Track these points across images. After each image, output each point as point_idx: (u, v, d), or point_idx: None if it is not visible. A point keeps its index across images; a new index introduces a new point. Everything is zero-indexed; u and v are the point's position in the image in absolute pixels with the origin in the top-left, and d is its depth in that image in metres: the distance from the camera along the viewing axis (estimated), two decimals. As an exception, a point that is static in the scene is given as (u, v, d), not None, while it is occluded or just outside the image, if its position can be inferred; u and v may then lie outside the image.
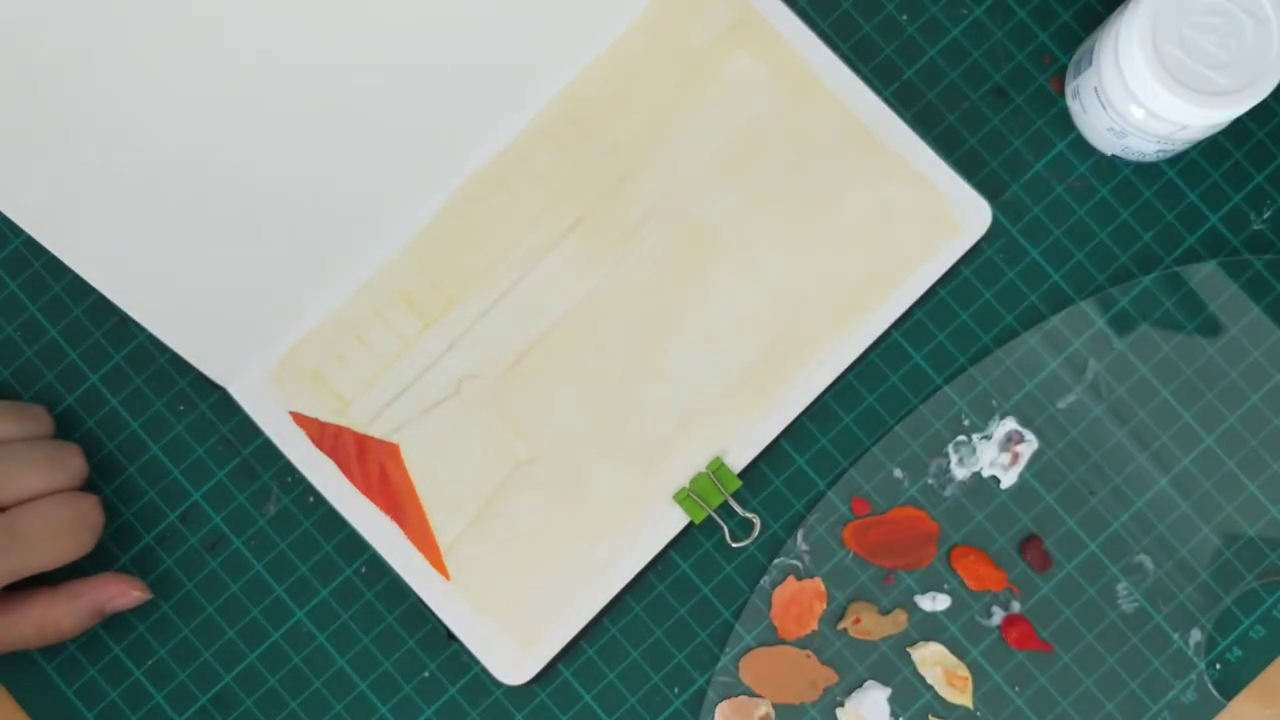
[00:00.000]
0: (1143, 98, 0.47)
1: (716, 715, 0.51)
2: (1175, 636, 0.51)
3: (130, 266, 0.48)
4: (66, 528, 0.47)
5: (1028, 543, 0.51)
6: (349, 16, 0.47)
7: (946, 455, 0.51)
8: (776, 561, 0.51)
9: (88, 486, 0.51)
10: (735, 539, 0.51)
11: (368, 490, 0.51)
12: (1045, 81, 0.53)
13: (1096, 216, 0.52)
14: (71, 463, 0.48)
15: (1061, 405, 0.51)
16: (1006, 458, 0.51)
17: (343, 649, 0.51)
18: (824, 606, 0.51)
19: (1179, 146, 0.50)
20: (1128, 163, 0.52)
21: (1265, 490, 0.51)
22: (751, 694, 0.51)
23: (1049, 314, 0.52)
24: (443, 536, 0.51)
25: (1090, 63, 0.49)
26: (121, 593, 0.49)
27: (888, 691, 0.51)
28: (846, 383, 0.52)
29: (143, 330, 0.52)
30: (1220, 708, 0.50)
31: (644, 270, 0.51)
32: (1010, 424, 0.51)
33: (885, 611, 0.51)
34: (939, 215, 0.51)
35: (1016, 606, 0.51)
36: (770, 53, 0.52)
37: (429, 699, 0.51)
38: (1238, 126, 0.52)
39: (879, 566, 0.51)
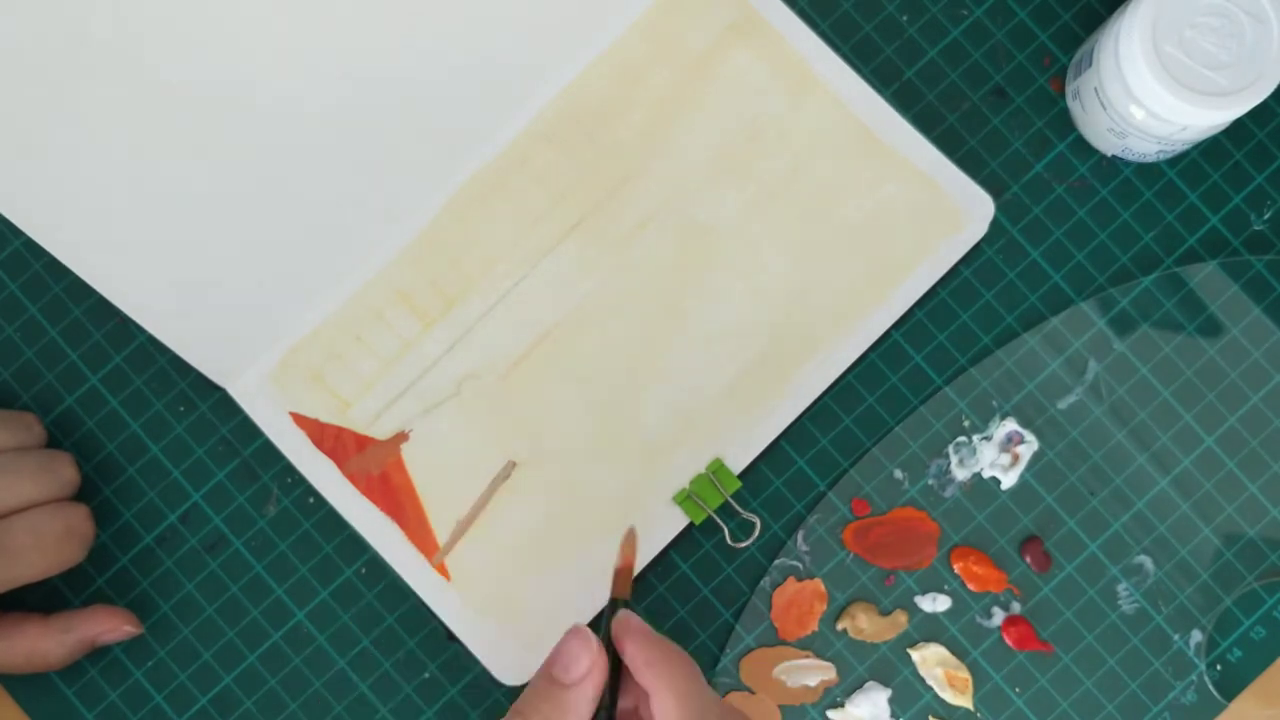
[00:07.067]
0: (1143, 98, 0.47)
1: (717, 716, 0.51)
2: (1176, 637, 0.51)
3: (130, 268, 0.48)
4: (56, 539, 0.47)
5: (1028, 543, 0.51)
6: (349, 18, 0.47)
7: (947, 456, 0.51)
8: (777, 562, 0.51)
9: (83, 494, 0.51)
10: (735, 540, 0.51)
11: (368, 491, 0.51)
12: (1045, 82, 0.53)
13: (1097, 217, 0.52)
14: (63, 472, 0.48)
15: (1062, 406, 0.51)
16: (1007, 458, 0.51)
17: (343, 650, 0.51)
18: (824, 607, 0.51)
19: (1179, 147, 0.50)
20: (1128, 163, 0.52)
21: (1265, 491, 0.51)
22: (752, 694, 0.51)
23: (1049, 315, 0.52)
24: (443, 537, 0.51)
25: (1090, 63, 0.49)
26: (114, 627, 0.49)
27: (888, 692, 0.51)
28: (846, 383, 0.52)
29: (143, 331, 0.52)
30: (1221, 709, 0.50)
31: (644, 271, 0.51)
32: (1010, 425, 0.51)
33: (885, 612, 0.51)
34: (941, 211, 0.51)
35: (1017, 607, 0.51)
36: (770, 53, 0.52)
37: (429, 700, 0.51)
38: (1238, 127, 0.52)
39: (879, 567, 0.51)
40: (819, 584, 0.51)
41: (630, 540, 0.43)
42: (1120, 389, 0.51)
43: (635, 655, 0.40)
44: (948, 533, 0.51)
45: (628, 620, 0.41)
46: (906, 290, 0.51)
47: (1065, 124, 0.53)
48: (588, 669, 0.39)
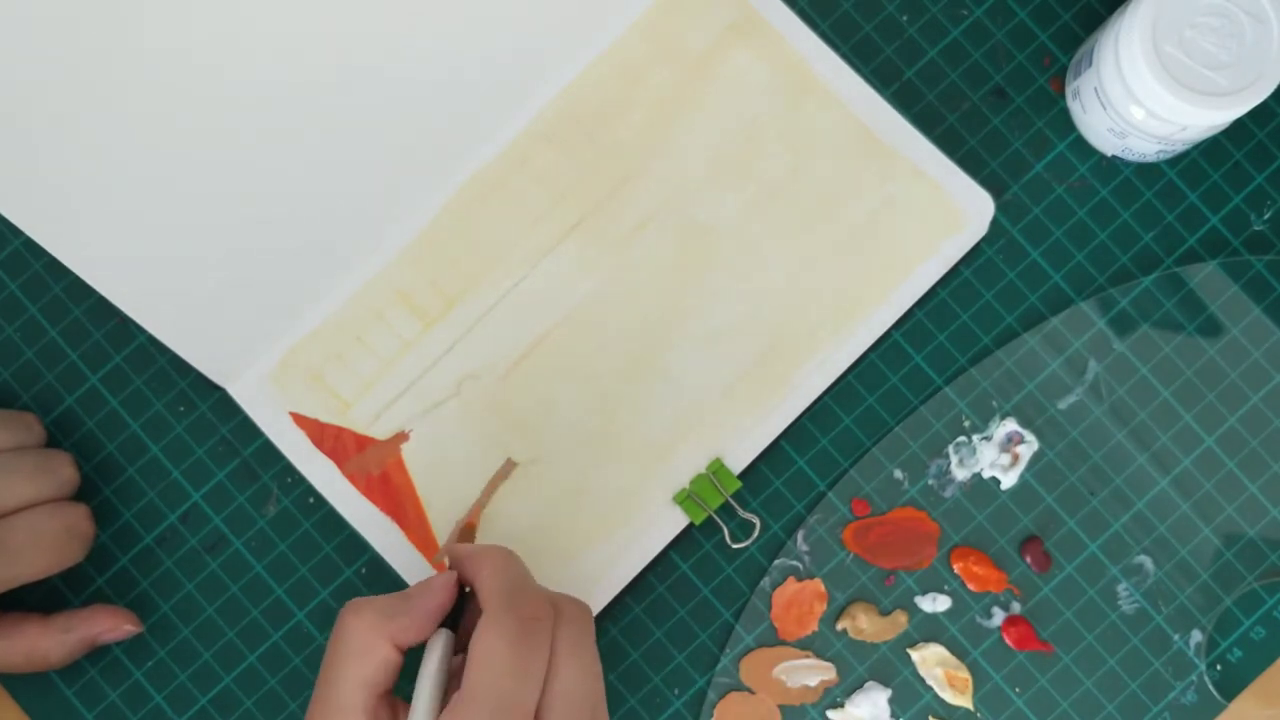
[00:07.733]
0: (1143, 98, 0.47)
1: (716, 716, 0.51)
2: (1176, 637, 0.51)
3: (130, 267, 0.48)
4: (55, 539, 0.47)
5: (1028, 543, 0.51)
6: (349, 18, 0.47)
7: (947, 456, 0.51)
8: (777, 562, 0.51)
9: (82, 494, 0.51)
10: (735, 540, 0.51)
11: (368, 491, 0.51)
12: (1045, 82, 0.53)
13: (1097, 217, 0.52)
14: (62, 472, 0.48)
15: (1062, 406, 0.51)
16: (1007, 458, 0.51)
17: (343, 650, 0.51)
18: (824, 607, 0.51)
19: (1179, 147, 0.50)
20: (1128, 163, 0.52)
21: (1265, 491, 0.51)
22: (751, 694, 0.51)
23: (1049, 315, 0.52)
24: (443, 537, 0.51)
25: (1090, 63, 0.49)
26: (114, 627, 0.49)
27: (888, 692, 0.51)
28: (846, 383, 0.52)
29: (143, 331, 0.52)
30: (1221, 709, 0.50)
31: (644, 270, 0.51)
32: (1010, 425, 0.51)
33: (885, 612, 0.51)
34: (941, 211, 0.51)
35: (1017, 607, 0.51)
36: (770, 53, 0.52)
37: (429, 700, 0.51)
38: (1238, 127, 0.52)
39: (879, 567, 0.51)
40: (819, 584, 0.51)
41: (470, 528, 0.51)
42: (1120, 389, 0.51)
43: (457, 554, 0.44)
44: (948, 533, 0.51)
45: (454, 543, 0.47)
46: (906, 290, 0.51)
47: (1065, 124, 0.53)
48: (438, 588, 0.44)
